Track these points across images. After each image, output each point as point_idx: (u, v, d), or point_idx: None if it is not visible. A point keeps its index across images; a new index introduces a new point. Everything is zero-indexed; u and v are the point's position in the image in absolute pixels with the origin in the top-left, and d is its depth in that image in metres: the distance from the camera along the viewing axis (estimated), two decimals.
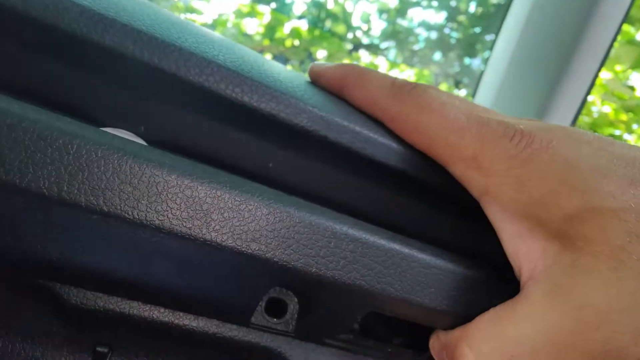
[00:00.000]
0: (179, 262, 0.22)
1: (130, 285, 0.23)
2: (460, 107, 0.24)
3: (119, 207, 0.18)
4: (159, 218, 0.18)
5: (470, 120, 0.24)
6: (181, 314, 0.25)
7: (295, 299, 0.28)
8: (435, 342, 0.27)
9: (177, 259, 0.21)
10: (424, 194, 0.28)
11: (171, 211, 0.19)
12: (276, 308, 0.28)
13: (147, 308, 0.25)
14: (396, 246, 0.23)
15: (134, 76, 0.22)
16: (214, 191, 0.19)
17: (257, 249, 0.20)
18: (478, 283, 0.25)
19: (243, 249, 0.20)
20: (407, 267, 0.23)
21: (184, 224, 0.19)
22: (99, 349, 0.24)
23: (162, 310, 0.25)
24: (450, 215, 0.29)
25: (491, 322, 0.23)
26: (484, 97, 0.99)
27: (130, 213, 0.18)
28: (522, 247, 0.23)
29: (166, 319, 0.25)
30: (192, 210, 0.19)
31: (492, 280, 0.25)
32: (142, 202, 0.18)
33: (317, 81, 0.28)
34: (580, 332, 0.19)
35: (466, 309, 0.25)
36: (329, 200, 0.27)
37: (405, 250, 0.23)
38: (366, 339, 0.29)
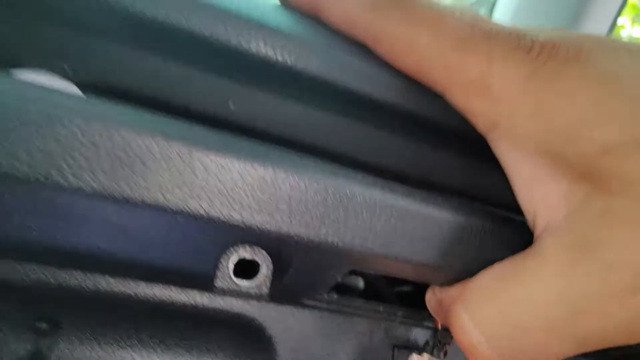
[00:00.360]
0: (122, 223, 0.18)
1: (67, 253, 0.20)
2: (462, 18, 0.18)
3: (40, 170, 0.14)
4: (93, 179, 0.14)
5: (474, 33, 0.18)
6: (134, 282, 0.22)
7: (269, 258, 0.24)
8: (432, 298, 0.24)
9: (119, 219, 0.18)
10: (417, 129, 0.23)
11: (102, 171, 0.15)
12: (247, 270, 0.24)
13: (92, 278, 0.21)
14: (376, 193, 0.19)
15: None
16: (156, 141, 0.15)
17: (206, 207, 0.16)
18: (481, 234, 0.20)
19: (188, 209, 0.16)
20: (390, 217, 0.19)
21: (120, 184, 0.15)
22: (39, 324, 0.21)
23: (111, 279, 0.21)
24: (448, 154, 0.24)
25: (494, 279, 0.19)
26: (501, 20, 0.88)
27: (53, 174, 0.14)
28: (538, 191, 0.18)
29: (118, 289, 0.22)
30: (130, 167, 0.15)
31: (499, 231, 0.21)
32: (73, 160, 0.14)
33: (287, 3, 0.22)
34: (612, 296, 0.15)
35: (465, 264, 0.20)
36: (299, 143, 0.22)
37: (388, 197, 0.19)
38: (353, 298, 0.25)
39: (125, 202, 0.15)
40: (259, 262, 0.24)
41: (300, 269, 0.22)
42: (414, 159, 0.23)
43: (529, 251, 0.18)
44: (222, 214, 0.17)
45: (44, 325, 0.21)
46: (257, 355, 0.25)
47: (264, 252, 0.24)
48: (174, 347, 0.24)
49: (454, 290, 0.21)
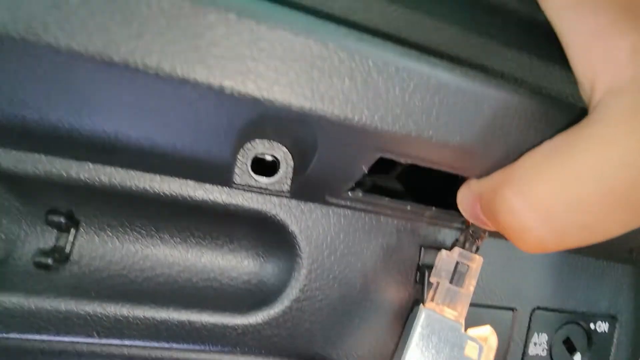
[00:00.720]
0: (141, 105, 0.16)
1: (80, 142, 0.18)
2: None
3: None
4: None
5: None
6: (152, 176, 0.21)
7: (289, 154, 0.22)
8: (466, 195, 0.22)
9: (137, 100, 0.16)
10: (462, 5, 0.19)
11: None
12: (267, 167, 0.23)
13: (107, 171, 0.20)
14: (410, 64, 0.16)
15: None
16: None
17: (228, 84, 0.14)
18: (526, 114, 0.18)
19: (210, 82, 0.14)
20: (424, 93, 0.16)
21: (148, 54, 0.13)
22: (57, 219, 0.20)
23: (127, 172, 0.20)
24: (483, 18, 0.20)
25: (547, 156, 0.16)
26: None
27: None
28: (598, 48, 0.15)
29: (136, 183, 0.20)
30: (128, 25, 0.13)
31: (545, 111, 0.18)
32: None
33: None
34: None
35: (508, 148, 0.18)
36: (325, 12, 0.19)
37: (424, 69, 0.16)
38: (379, 195, 0.24)
39: (123, 66, 0.13)
40: (279, 158, 0.22)
41: (323, 162, 0.20)
42: (454, 37, 0.20)
43: (586, 120, 0.16)
44: (235, 83, 0.14)
45: (62, 220, 0.20)
46: (280, 252, 0.24)
47: (283, 148, 0.22)
48: (197, 243, 0.24)
49: (497, 177, 0.19)
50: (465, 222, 0.25)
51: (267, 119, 0.17)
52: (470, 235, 0.22)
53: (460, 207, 0.23)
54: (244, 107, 0.15)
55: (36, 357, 0.22)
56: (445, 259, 0.22)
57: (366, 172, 0.21)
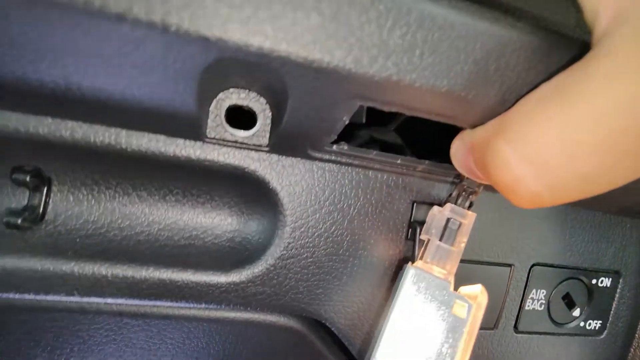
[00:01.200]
0: (86, 50, 0.15)
1: (47, 95, 0.17)
2: None
3: None
4: None
5: None
6: (117, 130, 0.19)
7: (267, 104, 0.21)
8: (459, 147, 0.20)
9: (81, 45, 0.14)
10: None
11: None
12: (244, 120, 0.21)
13: (69, 126, 0.19)
14: None
15: None
16: None
17: (171, 21, 0.12)
18: (524, 50, 0.16)
19: (151, 19, 0.12)
20: (405, 28, 0.14)
21: None
22: (16, 175, 0.19)
23: (91, 127, 0.19)
24: None
25: (543, 101, 0.15)
26: None
27: None
28: None
29: (99, 138, 0.19)
30: None
31: (548, 44, 0.16)
32: None
33: None
34: None
35: (504, 91, 0.16)
36: None
37: (404, 0, 0.14)
38: (366, 149, 0.22)
39: (66, 5, 0.12)
40: (255, 109, 0.21)
41: (298, 113, 0.18)
42: None
43: (588, 57, 0.13)
44: (180, 20, 0.13)
45: (28, 178, 0.19)
46: (262, 209, 0.23)
47: (260, 98, 0.21)
48: (176, 201, 0.23)
49: (490, 126, 0.17)
50: (460, 176, 0.23)
51: (227, 64, 0.15)
52: (464, 190, 0.20)
53: (453, 160, 0.21)
54: (195, 49, 0.14)
55: (24, 314, 0.22)
56: (436, 216, 0.21)
57: (347, 122, 0.19)
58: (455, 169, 0.24)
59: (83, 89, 0.16)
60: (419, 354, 0.19)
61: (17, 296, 0.20)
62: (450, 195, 0.22)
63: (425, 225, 0.22)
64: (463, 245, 0.20)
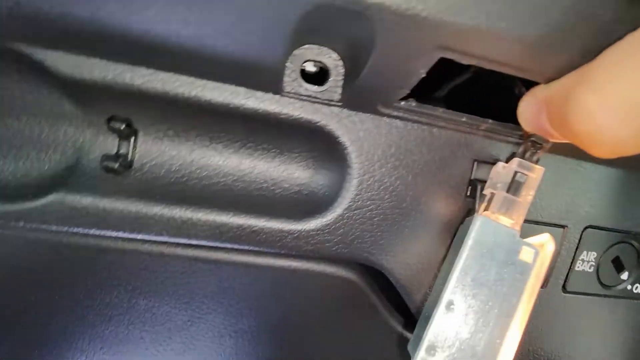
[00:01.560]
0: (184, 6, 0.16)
1: (130, 43, 0.18)
2: None
3: None
4: None
5: None
6: (204, 82, 0.21)
7: (340, 60, 0.21)
8: (530, 104, 0.20)
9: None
10: None
11: None
12: (317, 75, 0.22)
13: (161, 77, 0.20)
14: None
15: None
16: None
17: None
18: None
19: None
20: None
21: None
22: (112, 124, 0.21)
23: (180, 78, 0.20)
24: None
25: (630, 50, 0.15)
26: None
27: None
28: None
29: (187, 90, 0.21)
30: None
31: None
32: None
33: None
34: None
35: (588, 42, 0.16)
36: None
37: None
38: (434, 106, 0.23)
39: None
40: (329, 65, 0.21)
41: (378, 65, 0.19)
42: None
43: None
44: None
45: (123, 127, 0.21)
46: (330, 163, 0.24)
47: (334, 54, 0.21)
48: (249, 155, 0.24)
49: (570, 78, 0.17)
50: (524, 135, 0.24)
51: (323, 13, 0.16)
52: (532, 146, 0.21)
53: (521, 118, 0.21)
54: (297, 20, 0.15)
55: (110, 257, 0.24)
56: (501, 171, 0.22)
57: (423, 75, 0.19)
58: (518, 129, 0.24)
59: (182, 41, 0.18)
60: (485, 298, 0.20)
61: (114, 234, 0.22)
62: (515, 152, 0.23)
63: (489, 180, 0.22)
64: (530, 198, 0.21)
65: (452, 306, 0.21)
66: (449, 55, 0.18)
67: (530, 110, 0.21)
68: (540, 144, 0.21)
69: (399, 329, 0.30)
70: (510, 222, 0.21)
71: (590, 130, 0.16)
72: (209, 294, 0.27)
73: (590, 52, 0.17)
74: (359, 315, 0.29)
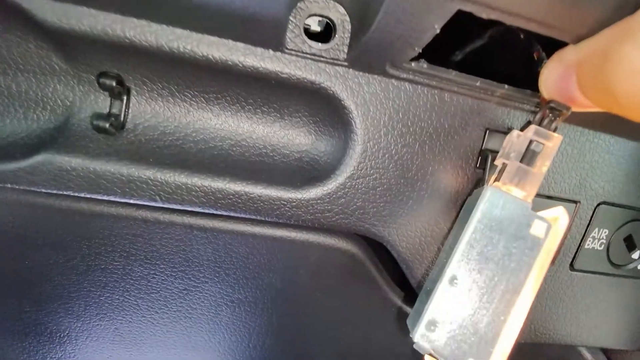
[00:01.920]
0: None
1: None
2: None
3: None
4: None
5: None
6: (200, 36, 0.19)
7: (346, 15, 0.20)
8: (555, 68, 0.19)
9: None
10: None
11: None
12: (322, 34, 0.20)
13: (154, 29, 0.19)
14: None
15: None
16: None
17: None
18: None
19: None
20: None
21: None
22: (103, 80, 0.20)
23: (174, 30, 0.19)
24: None
25: None
26: None
27: None
28: None
29: (182, 44, 0.19)
30: None
31: None
32: None
33: None
34: None
35: None
36: None
37: None
38: (445, 68, 0.21)
39: None
40: (335, 20, 0.20)
41: (390, 18, 0.17)
42: None
43: None
44: None
45: (114, 83, 0.19)
46: (333, 128, 0.23)
47: (340, 8, 0.20)
48: (248, 118, 0.23)
49: (608, 34, 0.16)
50: (541, 101, 0.22)
51: None
52: (549, 113, 0.19)
53: (545, 84, 0.20)
54: None
55: (105, 221, 0.23)
56: (515, 139, 0.20)
57: (437, 31, 0.18)
58: (534, 95, 0.22)
59: None
60: (491, 274, 0.19)
61: (105, 198, 0.21)
62: (531, 120, 0.21)
63: (502, 149, 0.21)
64: (545, 168, 0.19)
65: (455, 281, 0.20)
66: (467, 8, 0.16)
67: (555, 75, 0.19)
68: (559, 111, 0.19)
69: (399, 302, 0.29)
70: (523, 193, 0.19)
71: (637, 90, 0.14)
72: (205, 262, 0.26)
73: (628, 4, 0.15)
74: (358, 288, 0.28)
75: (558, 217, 0.19)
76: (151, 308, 0.28)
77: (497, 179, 0.20)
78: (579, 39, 0.17)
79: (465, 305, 0.20)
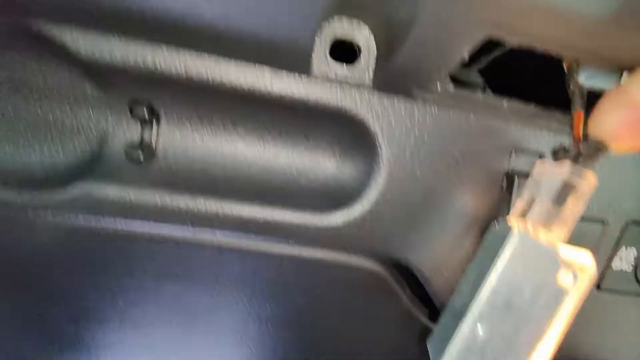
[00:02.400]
0: None
1: (151, 21, 0.17)
2: None
3: None
4: None
5: None
6: (228, 61, 0.19)
7: (372, 36, 0.20)
8: (620, 106, 0.17)
9: None
10: None
11: None
12: (348, 53, 0.21)
13: (183, 56, 0.19)
14: None
15: None
16: None
17: None
18: None
19: None
20: None
21: None
22: (135, 108, 0.20)
23: (202, 57, 0.19)
24: None
25: None
26: None
27: None
28: None
29: (210, 70, 0.19)
30: None
31: None
32: None
33: None
34: None
35: None
36: None
37: None
38: (472, 91, 0.21)
39: None
40: (360, 42, 0.20)
41: (418, 42, 0.17)
42: None
43: None
44: None
45: (145, 111, 0.20)
46: (359, 152, 0.23)
47: (366, 30, 0.20)
48: (273, 143, 0.23)
49: None
50: (575, 130, 0.21)
51: None
52: (592, 147, 0.18)
53: (605, 126, 0.17)
54: None
55: (138, 243, 0.24)
56: (547, 172, 0.19)
57: (466, 58, 0.18)
58: (565, 115, 0.22)
59: (205, 18, 0.16)
60: (515, 324, 0.19)
61: (140, 224, 0.21)
62: (567, 149, 0.20)
63: (531, 178, 0.20)
64: (578, 210, 0.18)
65: (477, 330, 0.19)
66: (495, 35, 0.16)
67: (622, 115, 0.17)
68: (604, 148, 0.18)
69: (423, 319, 0.29)
70: (551, 235, 0.19)
71: None
72: (234, 281, 0.27)
73: None
74: (383, 306, 0.28)
75: (585, 265, 0.18)
76: (182, 324, 0.28)
77: (524, 212, 0.20)
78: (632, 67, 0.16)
79: (486, 351, 0.19)
